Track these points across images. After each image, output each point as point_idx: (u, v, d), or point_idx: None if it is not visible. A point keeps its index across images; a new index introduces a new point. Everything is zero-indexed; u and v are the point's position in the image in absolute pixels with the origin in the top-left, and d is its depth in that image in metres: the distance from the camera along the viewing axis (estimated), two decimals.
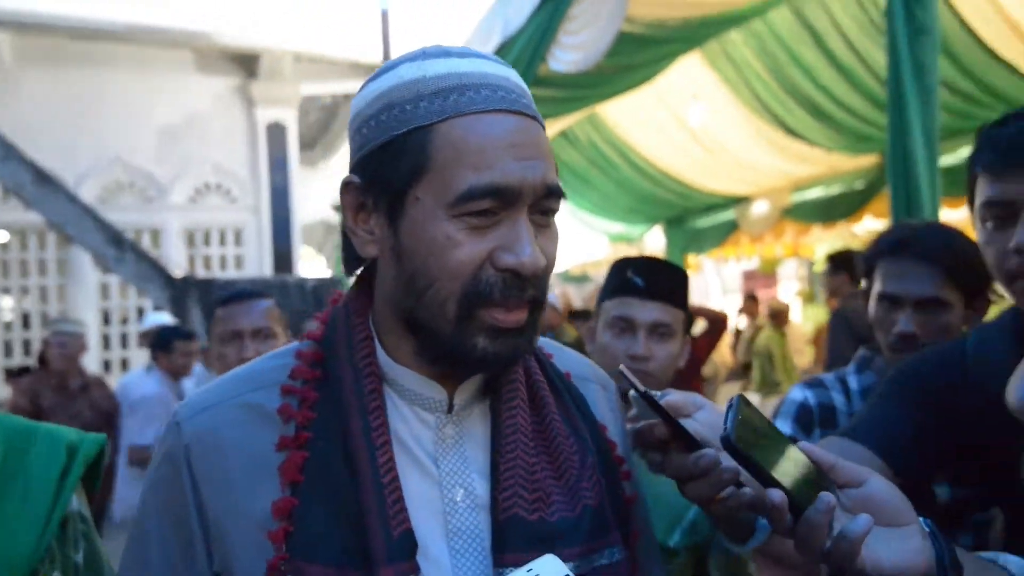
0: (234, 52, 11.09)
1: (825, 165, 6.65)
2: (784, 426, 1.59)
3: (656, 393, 0.81)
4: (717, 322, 4.40)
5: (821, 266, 7.16)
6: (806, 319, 9.41)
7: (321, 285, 7.08)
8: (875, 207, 6.41)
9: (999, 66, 4.49)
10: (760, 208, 7.63)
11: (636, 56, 4.60)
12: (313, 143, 15.29)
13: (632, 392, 0.81)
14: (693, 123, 6.54)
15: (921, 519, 0.78)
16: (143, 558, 0.83)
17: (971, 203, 1.18)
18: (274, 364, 0.86)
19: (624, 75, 4.95)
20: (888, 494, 0.77)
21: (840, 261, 4.84)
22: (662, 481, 0.88)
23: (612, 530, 0.84)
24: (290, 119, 11.74)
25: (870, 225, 7.37)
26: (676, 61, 5.06)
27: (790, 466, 0.74)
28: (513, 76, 0.80)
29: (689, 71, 5.94)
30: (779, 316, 7.36)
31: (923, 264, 1.46)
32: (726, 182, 7.67)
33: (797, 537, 0.72)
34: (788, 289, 11.96)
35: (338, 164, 14.57)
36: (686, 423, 0.79)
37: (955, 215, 4.49)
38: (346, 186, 0.81)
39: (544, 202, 0.77)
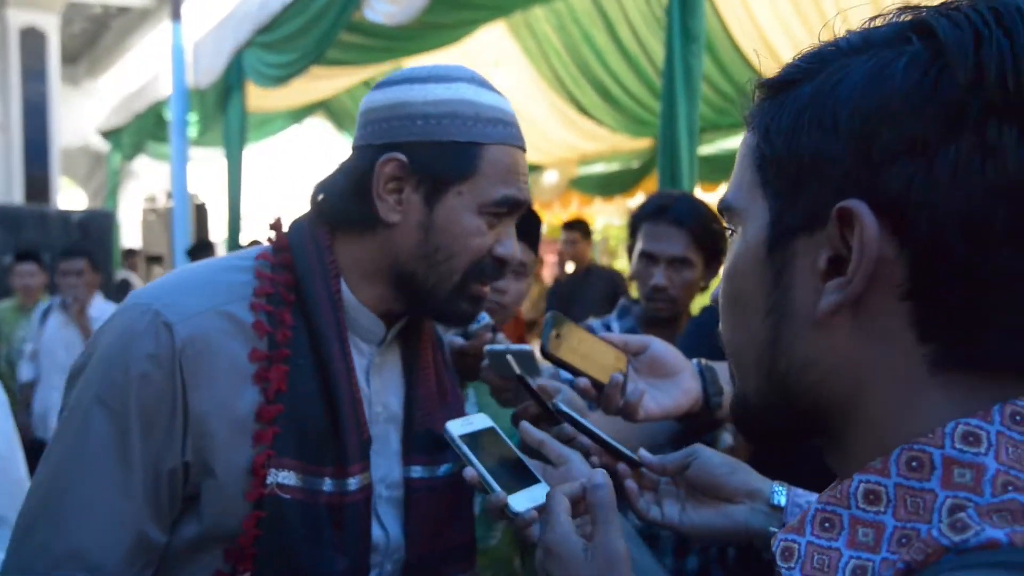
0: None
1: (608, 143, 7.21)
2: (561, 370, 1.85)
3: (529, 379, 1.07)
4: None
5: (599, 236, 7.85)
6: None
7: (90, 218, 6.45)
8: (647, 185, 7.11)
9: (751, 71, 5.23)
10: (550, 178, 8.14)
11: (448, 16, 4.72)
12: (77, 57, 13.56)
13: (518, 375, 1.07)
14: None
15: (692, 360, 1.09)
16: (123, 447, 0.88)
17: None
18: (237, 279, 0.98)
19: (434, 33, 5.06)
20: (665, 351, 1.09)
21: (575, 224, 6.07)
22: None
23: None
24: (50, 26, 10.37)
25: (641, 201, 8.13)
26: (483, 27, 5.25)
27: (598, 356, 1.03)
28: (514, 114, 1.04)
29: (494, 38, 6.15)
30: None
31: (675, 228, 1.79)
32: None
33: (601, 403, 1.03)
34: None
35: (109, 85, 13.08)
36: (559, 398, 1.06)
37: (708, 197, 5.18)
38: (389, 160, 0.96)
39: (521, 213, 1.04)
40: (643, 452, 0.96)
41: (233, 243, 6.75)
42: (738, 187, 0.60)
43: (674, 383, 1.06)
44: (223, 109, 6.90)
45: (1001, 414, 0.49)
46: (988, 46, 0.47)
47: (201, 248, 6.69)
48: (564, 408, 0.98)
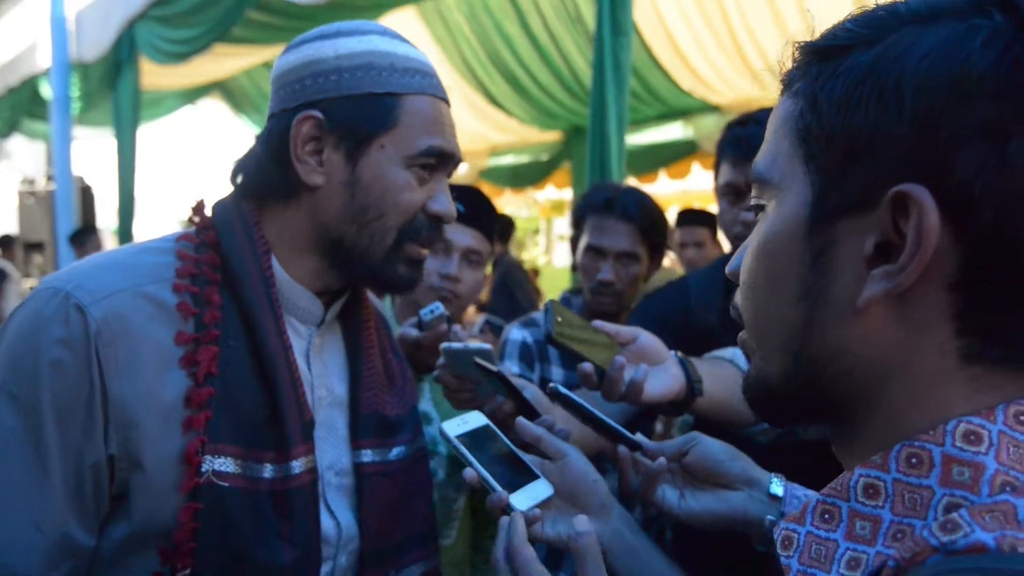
0: None
1: (518, 135, 7.26)
2: (512, 365, 1.80)
3: (513, 378, 1.06)
4: None
5: None
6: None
7: None
8: (556, 178, 7.23)
9: (657, 69, 5.39)
10: (460, 168, 8.11)
11: None
12: None
13: (495, 368, 1.05)
14: None
15: (672, 352, 1.12)
16: (35, 441, 0.82)
17: (716, 182, 1.58)
18: (157, 260, 0.92)
19: (344, 14, 4.90)
20: (652, 341, 1.11)
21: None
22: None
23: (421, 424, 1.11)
24: None
25: (551, 194, 8.27)
26: (393, 11, 5.15)
27: (594, 343, 1.04)
28: (432, 66, 1.02)
29: (403, 23, 6.06)
30: None
31: (623, 222, 1.81)
32: None
33: (603, 388, 1.03)
34: None
35: None
36: (529, 397, 1.06)
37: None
38: (304, 119, 0.92)
39: (452, 169, 1.01)
40: (641, 437, 0.95)
41: (125, 229, 6.35)
42: (773, 157, 0.56)
43: (663, 370, 1.08)
44: (111, 85, 6.46)
45: (1005, 414, 0.48)
46: None
47: (85, 233, 6.26)
48: (563, 390, 0.96)
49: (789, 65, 0.57)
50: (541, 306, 1.43)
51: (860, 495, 0.51)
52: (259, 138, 0.98)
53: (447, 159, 0.98)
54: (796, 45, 0.56)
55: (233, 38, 5.16)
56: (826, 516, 0.53)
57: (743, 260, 0.60)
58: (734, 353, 1.26)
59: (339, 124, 0.92)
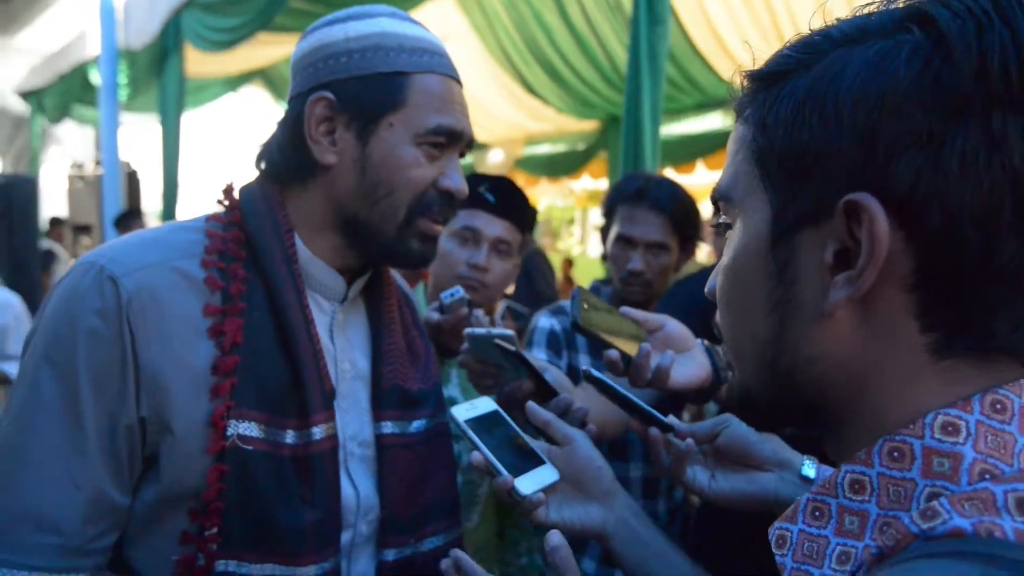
0: None
1: (554, 124, 7.23)
2: (539, 353, 1.82)
3: (535, 361, 1.09)
4: None
5: (542, 217, 7.87)
6: None
7: (11, 184, 6.09)
8: (592, 168, 7.18)
9: (696, 57, 5.33)
10: (496, 156, 8.13)
11: None
12: None
13: (513, 349, 1.08)
14: None
15: (698, 340, 1.13)
16: (73, 405, 0.86)
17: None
18: (188, 237, 0.97)
19: (385, 2, 4.96)
20: (679, 329, 1.13)
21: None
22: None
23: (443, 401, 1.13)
24: None
25: (587, 184, 8.22)
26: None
27: (621, 330, 1.06)
28: (443, 45, 1.03)
29: (443, 12, 6.07)
30: None
31: (654, 213, 1.81)
32: None
33: (630, 375, 1.05)
34: None
35: (27, 43, 12.32)
36: (550, 379, 1.08)
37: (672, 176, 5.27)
38: (317, 101, 0.96)
39: (465, 149, 1.03)
40: (673, 418, 0.96)
41: (168, 212, 6.50)
42: (733, 178, 0.59)
43: (690, 357, 1.09)
44: (157, 73, 6.61)
45: (981, 403, 0.50)
46: (990, 36, 0.47)
47: (129, 216, 6.41)
48: (596, 373, 0.98)
49: (740, 94, 0.60)
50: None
51: (847, 491, 0.53)
52: (279, 123, 1.02)
53: (457, 137, 0.99)
54: (743, 75, 0.59)
55: (275, 26, 5.23)
56: (816, 513, 0.55)
57: (717, 280, 0.63)
58: None
59: (350, 104, 0.95)
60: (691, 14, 4.92)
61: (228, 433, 0.88)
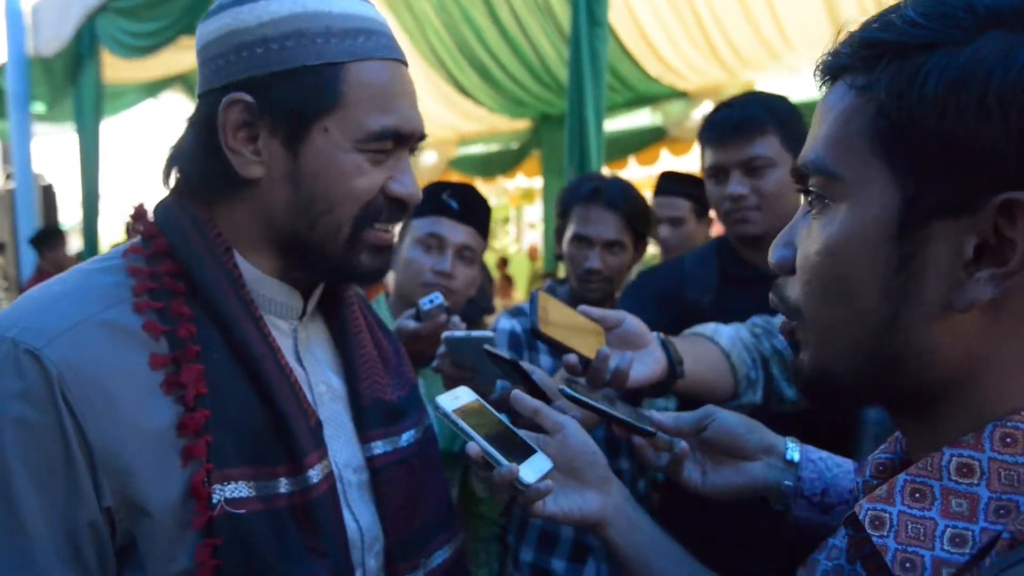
0: None
1: (487, 124, 7.26)
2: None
3: (523, 363, 1.08)
4: None
5: None
6: None
7: None
8: (526, 167, 7.24)
9: (625, 56, 5.44)
10: (429, 158, 8.10)
11: None
12: None
13: (506, 356, 1.07)
14: None
15: (654, 333, 1.15)
16: (10, 513, 0.72)
17: (702, 164, 1.65)
18: (107, 280, 0.81)
19: None
20: (636, 326, 1.13)
21: None
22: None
23: (423, 402, 1.06)
24: None
25: (521, 182, 8.27)
26: None
27: (579, 331, 1.06)
28: (383, 19, 0.88)
29: None
30: None
31: (609, 212, 1.84)
32: None
33: (588, 377, 1.05)
34: None
35: None
36: (537, 380, 1.08)
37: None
38: (231, 104, 0.80)
39: (414, 144, 0.89)
40: (655, 414, 0.98)
41: (89, 226, 6.23)
42: (841, 153, 0.54)
43: (647, 353, 1.11)
44: (72, 80, 6.33)
45: None
46: None
47: (48, 235, 6.04)
48: (569, 391, 0.96)
49: (836, 53, 0.55)
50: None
51: (953, 474, 0.53)
52: (189, 123, 0.86)
53: (406, 137, 0.85)
54: (853, 36, 0.54)
55: (196, 30, 5.08)
56: (917, 495, 0.54)
57: (801, 255, 0.60)
58: (715, 329, 1.29)
59: (272, 106, 0.79)
60: (619, 15, 5.03)
61: (214, 501, 0.74)
